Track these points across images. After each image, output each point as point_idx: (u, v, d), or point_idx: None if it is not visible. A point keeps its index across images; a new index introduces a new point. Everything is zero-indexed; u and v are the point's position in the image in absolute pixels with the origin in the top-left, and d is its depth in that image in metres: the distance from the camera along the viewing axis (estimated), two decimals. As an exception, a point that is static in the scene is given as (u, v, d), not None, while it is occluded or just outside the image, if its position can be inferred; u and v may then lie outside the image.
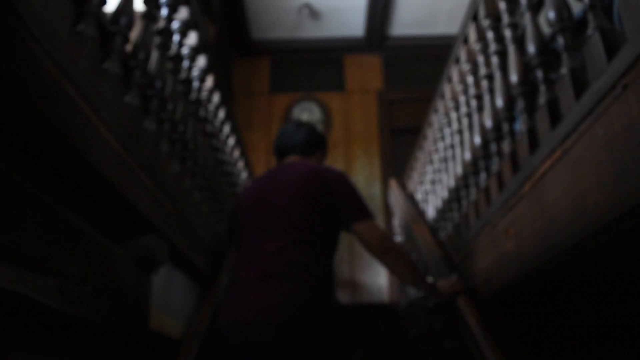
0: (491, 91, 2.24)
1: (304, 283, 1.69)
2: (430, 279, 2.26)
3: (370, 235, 1.84)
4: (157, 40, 1.97)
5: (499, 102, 2.04)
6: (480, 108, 2.44)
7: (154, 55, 1.92)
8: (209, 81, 2.71)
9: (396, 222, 4.31)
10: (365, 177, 6.09)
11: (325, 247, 1.85)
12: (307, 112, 6.49)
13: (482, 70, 2.34)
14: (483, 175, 2.33)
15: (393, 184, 4.35)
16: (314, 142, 2.10)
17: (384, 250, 1.85)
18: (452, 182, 2.80)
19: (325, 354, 1.72)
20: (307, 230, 1.80)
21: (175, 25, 2.15)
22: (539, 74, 1.72)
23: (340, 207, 1.85)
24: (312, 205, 1.83)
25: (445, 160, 3.02)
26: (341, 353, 3.16)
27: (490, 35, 2.20)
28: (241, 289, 1.73)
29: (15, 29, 1.00)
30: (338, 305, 1.72)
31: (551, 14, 1.60)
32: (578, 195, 1.38)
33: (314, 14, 6.18)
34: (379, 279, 5.57)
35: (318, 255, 1.80)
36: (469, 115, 2.58)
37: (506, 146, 2.00)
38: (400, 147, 6.11)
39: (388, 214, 5.52)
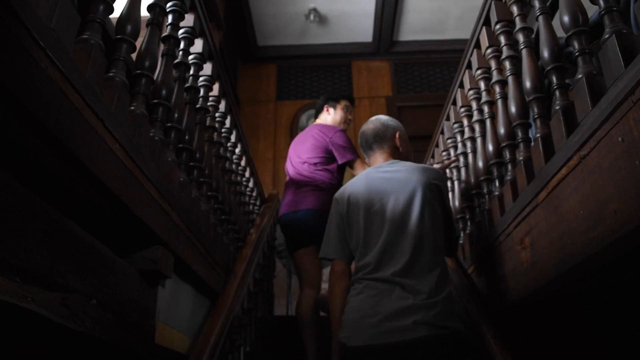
0: (505, 97, 2.21)
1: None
2: None
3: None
4: (163, 47, 1.95)
5: (513, 108, 2.00)
6: (493, 115, 2.41)
7: (160, 62, 1.90)
8: (215, 89, 2.69)
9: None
10: (373, 183, 6.05)
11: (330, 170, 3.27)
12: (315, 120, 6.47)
13: (495, 76, 2.30)
14: (496, 183, 2.29)
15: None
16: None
17: None
18: (464, 191, 2.76)
19: None
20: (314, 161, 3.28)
21: (181, 32, 2.13)
22: (554, 79, 1.68)
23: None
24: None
25: (457, 168, 2.98)
26: None
27: (502, 39, 2.17)
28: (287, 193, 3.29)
29: (19, 37, 0.98)
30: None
31: (566, 18, 1.57)
32: (596, 203, 1.34)
33: (321, 19, 6.17)
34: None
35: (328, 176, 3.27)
36: (482, 122, 2.54)
37: (520, 153, 1.96)
38: (409, 153, 6.07)
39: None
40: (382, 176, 2.06)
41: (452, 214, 2.13)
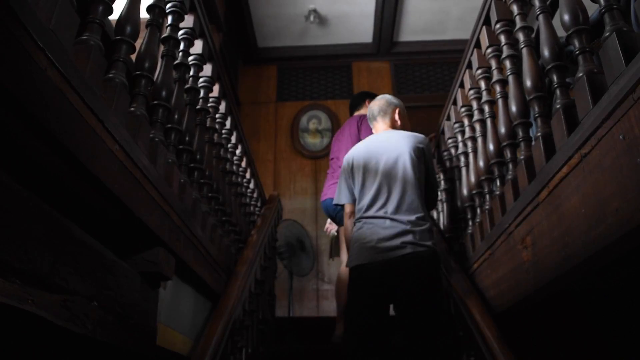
0: (505, 96, 2.20)
1: None
2: None
3: None
4: (162, 48, 1.95)
5: (514, 107, 2.00)
6: (493, 114, 2.40)
7: (160, 63, 1.89)
8: (216, 90, 2.69)
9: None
10: (374, 184, 6.04)
11: None
12: (315, 120, 6.47)
13: (496, 75, 2.30)
14: (497, 183, 2.29)
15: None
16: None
17: None
18: (465, 191, 2.76)
19: None
20: None
21: (180, 33, 2.13)
22: (554, 78, 1.68)
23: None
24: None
25: (458, 167, 2.98)
26: None
27: (503, 39, 2.16)
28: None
29: (18, 38, 0.98)
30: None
31: (566, 17, 1.56)
32: (597, 202, 1.34)
33: (321, 20, 6.16)
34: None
35: None
36: (483, 121, 2.54)
37: (521, 153, 1.96)
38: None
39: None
40: (379, 140, 2.66)
41: (434, 171, 2.66)
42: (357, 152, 2.70)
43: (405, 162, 2.49)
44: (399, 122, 2.82)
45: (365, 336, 2.26)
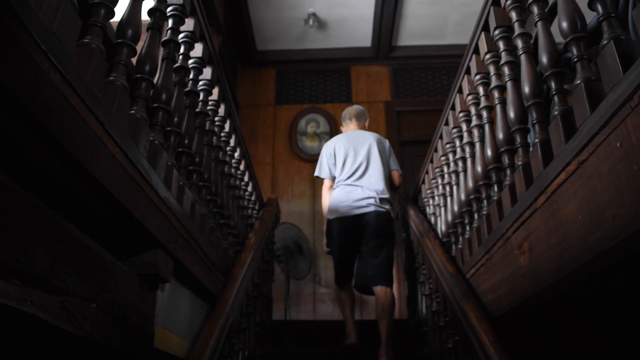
0: (503, 102, 2.21)
1: None
2: None
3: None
4: (163, 51, 1.96)
5: (512, 113, 2.01)
6: (492, 120, 2.41)
7: (160, 66, 1.90)
8: (215, 93, 2.69)
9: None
10: (372, 188, 6.04)
11: None
12: (314, 124, 6.48)
13: (494, 81, 2.31)
14: (495, 188, 2.30)
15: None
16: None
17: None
18: (463, 196, 2.77)
19: None
20: None
21: (181, 36, 2.14)
22: (553, 84, 1.69)
23: None
24: None
25: (456, 173, 2.99)
26: None
27: (501, 45, 2.17)
28: None
29: (21, 40, 0.98)
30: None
31: (564, 24, 1.57)
32: (595, 208, 1.34)
33: (320, 24, 6.18)
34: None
35: None
36: (481, 127, 2.54)
37: (519, 158, 1.97)
38: (408, 158, 6.07)
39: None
40: (356, 135, 3.83)
41: (393, 158, 3.85)
42: (339, 141, 3.84)
43: (374, 151, 3.68)
44: (366, 128, 4.05)
45: (345, 263, 3.53)
